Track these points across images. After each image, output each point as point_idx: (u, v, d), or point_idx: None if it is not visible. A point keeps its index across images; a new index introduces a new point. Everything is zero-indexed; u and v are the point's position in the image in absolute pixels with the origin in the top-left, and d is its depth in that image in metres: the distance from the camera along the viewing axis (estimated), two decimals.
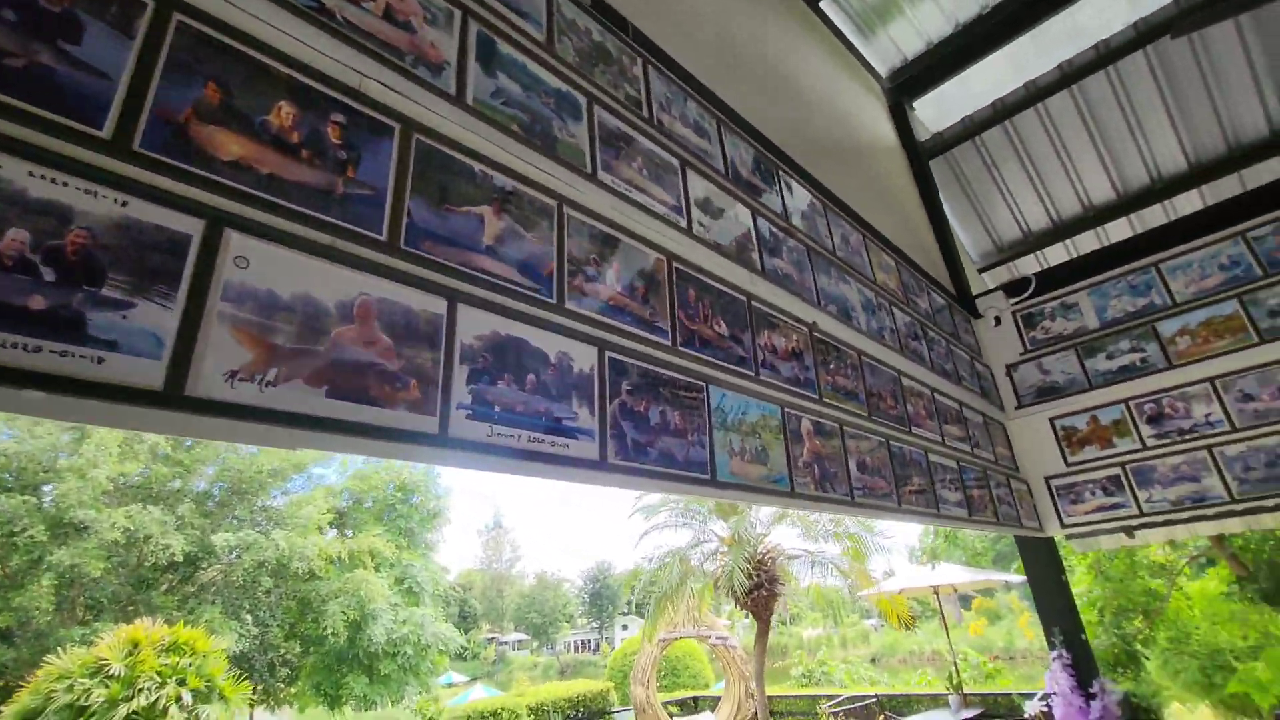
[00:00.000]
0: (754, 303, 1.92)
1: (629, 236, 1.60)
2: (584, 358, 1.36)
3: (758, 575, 7.02)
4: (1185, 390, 3.17)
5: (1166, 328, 3.27)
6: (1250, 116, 3.85)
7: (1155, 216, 4.39)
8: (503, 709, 9.85)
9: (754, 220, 2.08)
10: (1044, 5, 3.88)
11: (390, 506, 18.06)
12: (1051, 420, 3.54)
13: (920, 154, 4.46)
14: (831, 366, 2.12)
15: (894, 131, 4.52)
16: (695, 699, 10.02)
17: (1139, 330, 3.36)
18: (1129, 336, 3.38)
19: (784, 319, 2.02)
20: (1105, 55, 3.84)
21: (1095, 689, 3.01)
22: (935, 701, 8.20)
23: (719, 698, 9.70)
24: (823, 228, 2.57)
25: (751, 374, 1.78)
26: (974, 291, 4.04)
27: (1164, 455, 3.18)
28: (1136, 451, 3.25)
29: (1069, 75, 3.98)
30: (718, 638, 8.83)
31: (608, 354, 1.40)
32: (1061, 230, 4.61)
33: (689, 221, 1.78)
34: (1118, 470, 3.29)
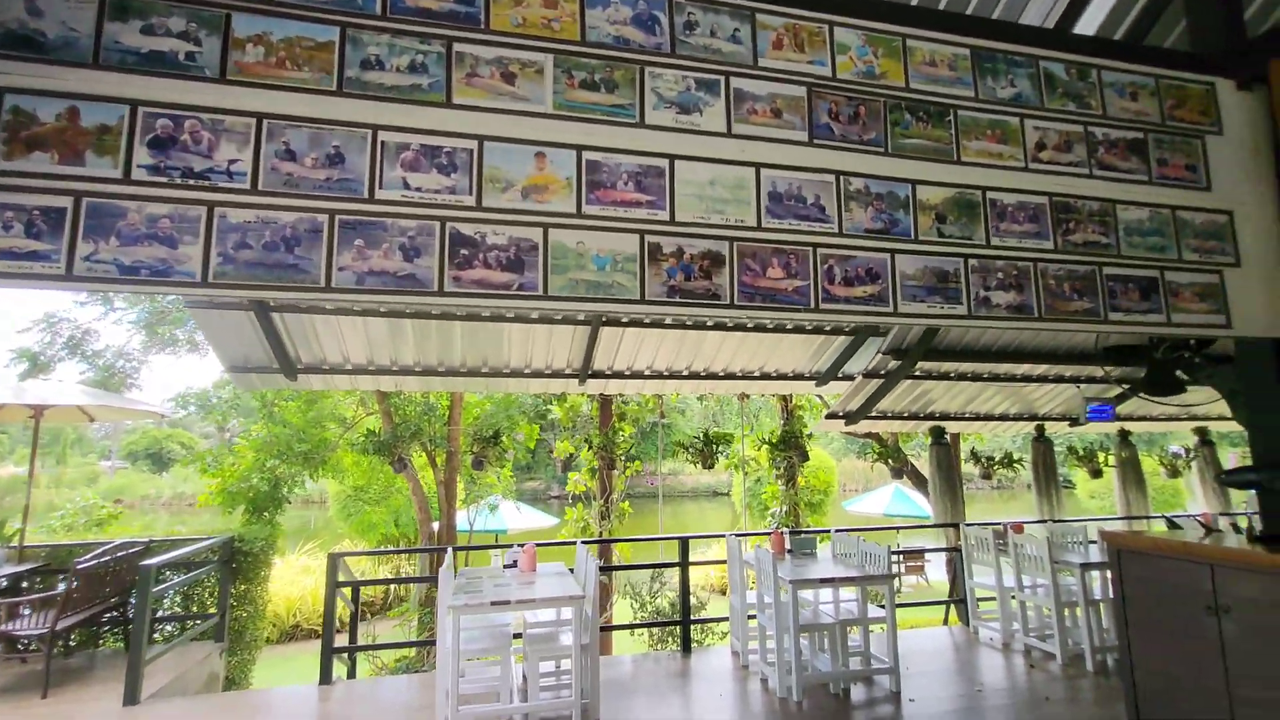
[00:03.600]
0: None
1: None
2: None
3: None
4: (226, 122, 2.06)
5: (241, 25, 2.11)
6: None
7: None
8: None
9: None
10: None
11: None
12: (3, 90, 1.92)
13: None
14: None
15: None
16: None
17: (205, 15, 2.09)
18: (185, 14, 2.08)
19: None
20: None
21: None
22: None
23: None
24: None
25: None
26: None
27: (154, 200, 1.98)
28: (114, 183, 1.96)
29: None
30: None
31: None
32: None
33: None
34: (70, 202, 1.92)
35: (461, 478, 9.11)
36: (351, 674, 5.95)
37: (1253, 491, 3.12)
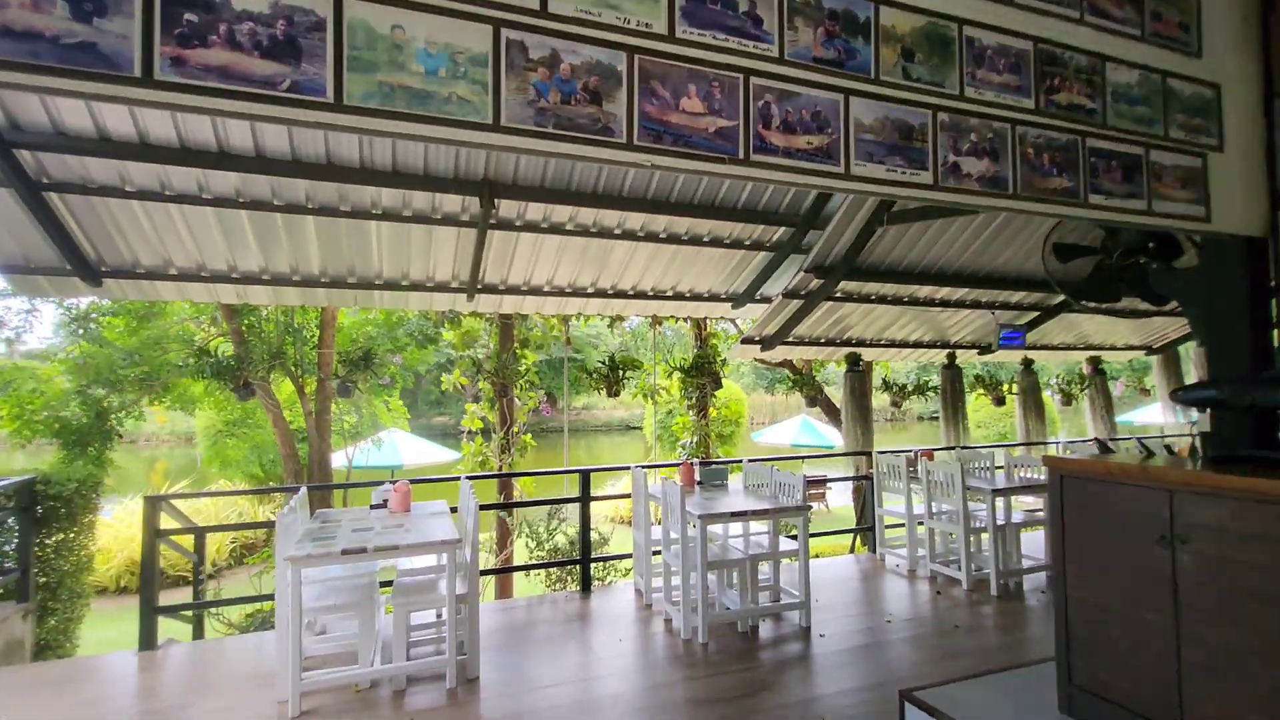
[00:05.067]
0: None
1: None
2: None
3: None
4: None
5: None
6: None
7: None
8: None
9: None
10: None
11: None
12: None
13: None
14: None
15: None
16: None
17: None
18: None
19: None
20: None
21: None
22: None
23: None
24: None
25: None
26: None
27: None
28: None
29: None
30: None
31: None
32: None
33: None
34: None
35: (346, 408, 8.06)
36: (198, 634, 5.10)
37: (1189, 413, 2.84)
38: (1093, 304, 3.35)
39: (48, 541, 5.79)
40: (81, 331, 6.67)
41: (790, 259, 5.90)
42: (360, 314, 8.70)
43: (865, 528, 6.20)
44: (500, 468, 8.48)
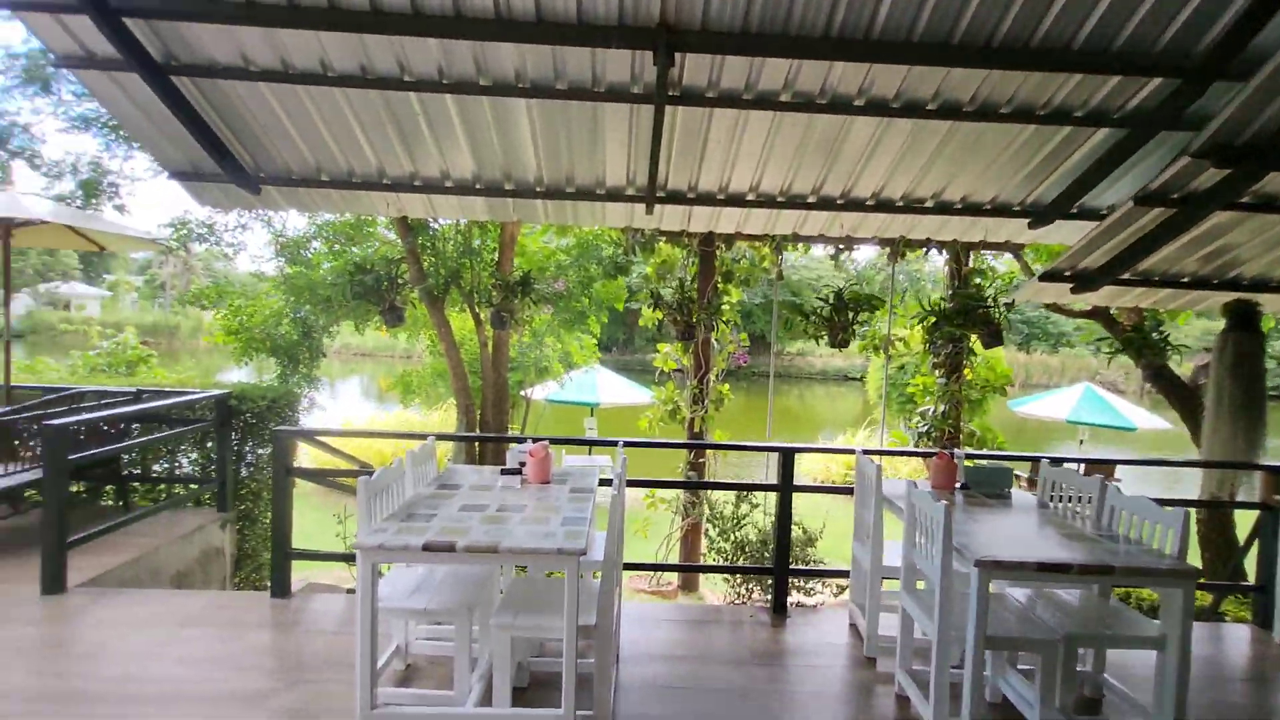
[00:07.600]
0: None
1: None
2: None
3: None
4: None
5: None
6: None
7: None
8: None
9: None
10: None
11: None
12: None
13: None
14: None
15: None
16: None
17: None
18: None
19: None
20: None
21: None
22: None
23: None
24: None
25: None
26: None
27: None
28: None
29: None
30: None
31: None
32: None
33: None
34: None
35: (529, 341, 7.59)
36: None
37: None
38: None
39: (248, 456, 6.05)
40: (287, 255, 7.00)
41: (1158, 139, 3.55)
42: (557, 234, 8.01)
43: (1254, 587, 3.81)
44: (691, 420, 7.35)
